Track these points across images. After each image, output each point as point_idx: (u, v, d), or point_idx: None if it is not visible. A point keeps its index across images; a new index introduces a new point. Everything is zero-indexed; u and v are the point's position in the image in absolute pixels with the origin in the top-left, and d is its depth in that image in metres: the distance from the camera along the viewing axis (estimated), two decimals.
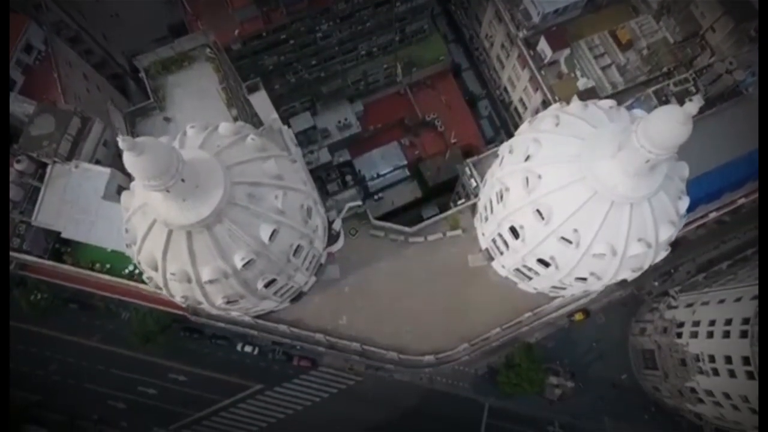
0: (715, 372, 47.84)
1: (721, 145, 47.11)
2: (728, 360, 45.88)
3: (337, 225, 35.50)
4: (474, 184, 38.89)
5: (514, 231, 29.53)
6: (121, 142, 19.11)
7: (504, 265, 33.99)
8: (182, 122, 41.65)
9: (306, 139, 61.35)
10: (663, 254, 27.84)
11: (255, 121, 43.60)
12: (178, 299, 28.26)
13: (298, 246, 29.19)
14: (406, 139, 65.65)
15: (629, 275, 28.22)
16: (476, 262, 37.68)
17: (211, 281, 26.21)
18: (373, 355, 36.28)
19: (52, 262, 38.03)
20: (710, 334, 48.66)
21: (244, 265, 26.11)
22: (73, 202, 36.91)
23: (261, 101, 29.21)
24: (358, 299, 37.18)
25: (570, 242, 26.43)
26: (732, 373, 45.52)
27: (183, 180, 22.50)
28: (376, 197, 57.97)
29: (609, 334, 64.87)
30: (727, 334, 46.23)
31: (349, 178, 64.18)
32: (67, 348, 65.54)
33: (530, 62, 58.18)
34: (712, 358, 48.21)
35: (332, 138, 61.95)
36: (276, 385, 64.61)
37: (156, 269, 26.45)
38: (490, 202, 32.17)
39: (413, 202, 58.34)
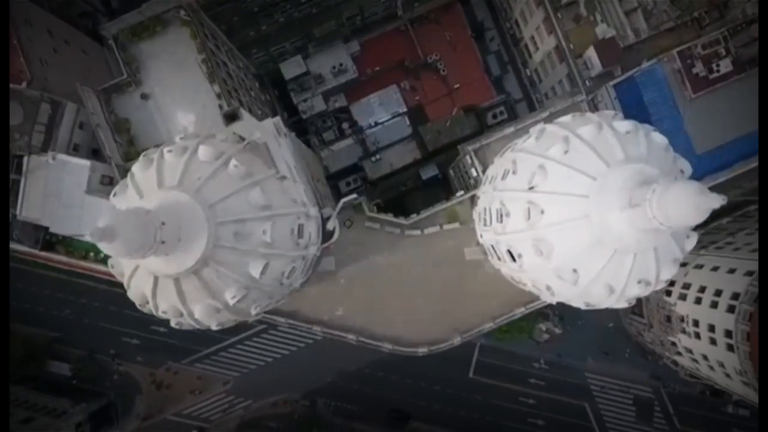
0: (697, 336, 49.99)
1: (743, 115, 43.93)
2: (711, 329, 47.64)
3: (332, 224, 34.43)
4: (475, 173, 36.97)
5: (511, 254, 28.71)
6: (89, 236, 17.68)
7: (500, 268, 33.67)
8: (161, 98, 38.68)
9: (298, 86, 57.19)
10: (662, 285, 27.36)
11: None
12: (172, 324, 28.46)
13: (292, 268, 28.63)
14: (405, 82, 61.15)
15: (625, 305, 28.06)
16: (473, 255, 37.28)
17: (203, 316, 26.14)
18: (368, 345, 37.57)
19: (46, 253, 37.71)
20: (698, 300, 49.90)
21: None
22: (56, 196, 35.55)
23: (243, 127, 26.53)
24: (355, 291, 37.47)
25: (567, 281, 25.81)
26: (713, 341, 47.59)
27: (163, 242, 21.30)
28: (374, 158, 55.54)
29: None
30: (714, 305, 47.39)
31: (345, 125, 61.06)
32: (78, 290, 67.94)
33: (546, 0, 51.96)
34: (696, 323, 50.05)
35: (327, 84, 57.61)
36: (278, 325, 68.10)
37: (147, 304, 26.25)
38: (490, 212, 30.83)
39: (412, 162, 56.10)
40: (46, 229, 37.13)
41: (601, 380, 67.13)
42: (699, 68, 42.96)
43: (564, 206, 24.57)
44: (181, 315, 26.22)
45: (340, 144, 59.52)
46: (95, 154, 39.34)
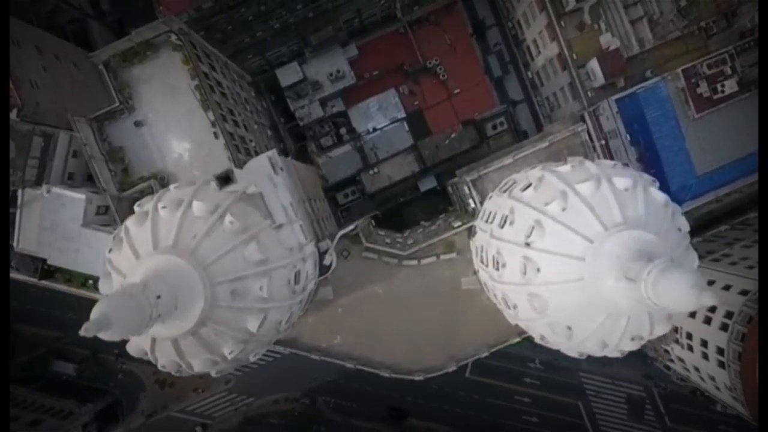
0: (690, 348, 50.70)
1: (746, 135, 43.29)
2: (704, 344, 48.26)
3: (328, 259, 34.47)
4: (473, 204, 36.74)
5: (506, 301, 28.89)
6: (84, 331, 17.76)
7: (496, 303, 33.96)
8: (155, 125, 38.01)
9: (295, 94, 56.10)
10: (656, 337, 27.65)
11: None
12: (173, 373, 28.88)
13: (290, 315, 28.89)
14: (404, 86, 60.00)
15: (619, 356, 28.40)
16: (469, 284, 37.52)
17: (202, 368, 26.58)
18: (366, 372, 38.28)
19: (46, 282, 37.90)
20: (692, 314, 50.31)
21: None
22: (52, 228, 35.47)
23: (238, 186, 26.22)
24: (353, 319, 37.87)
25: (561, 336, 26.08)
26: (705, 356, 48.31)
27: (159, 315, 21.41)
28: (372, 171, 54.97)
29: None
30: (708, 321, 47.79)
31: (343, 130, 60.25)
32: None
33: (549, 7, 50.51)
34: (689, 336, 50.63)
35: (324, 91, 56.49)
36: None
37: (146, 356, 26.62)
38: (487, 254, 30.82)
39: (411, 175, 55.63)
40: (44, 259, 37.23)
41: (595, 380, 68.64)
42: (703, 88, 42.02)
43: (560, 266, 24.56)
44: (181, 367, 26.67)
45: (338, 150, 58.87)
46: (90, 180, 39.04)
